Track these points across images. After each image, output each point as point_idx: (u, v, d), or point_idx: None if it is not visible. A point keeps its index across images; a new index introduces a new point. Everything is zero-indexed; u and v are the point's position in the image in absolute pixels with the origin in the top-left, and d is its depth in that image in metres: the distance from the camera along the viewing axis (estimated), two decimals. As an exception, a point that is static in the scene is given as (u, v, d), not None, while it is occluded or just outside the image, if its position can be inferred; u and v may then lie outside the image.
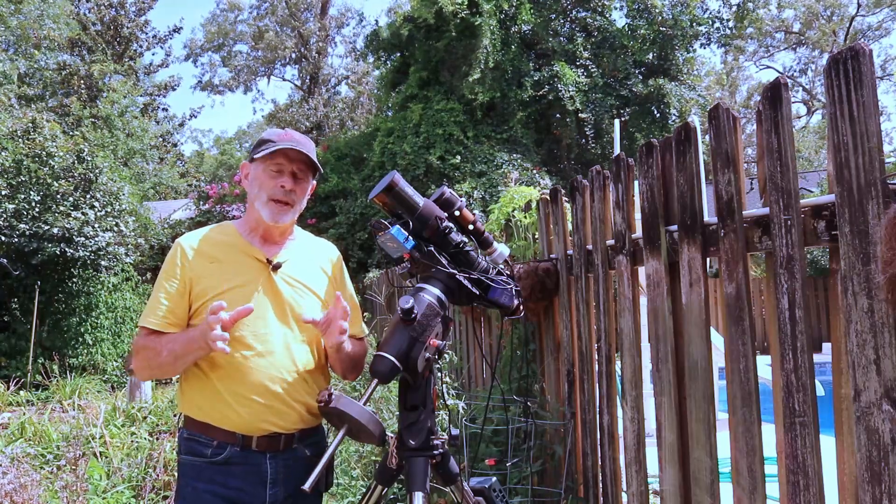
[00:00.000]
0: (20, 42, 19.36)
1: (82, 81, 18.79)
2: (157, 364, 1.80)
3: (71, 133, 9.12)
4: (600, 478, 2.77)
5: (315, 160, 1.88)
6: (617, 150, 5.83)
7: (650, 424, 2.42)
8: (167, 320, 1.80)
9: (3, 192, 8.14)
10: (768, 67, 31.00)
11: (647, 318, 2.25)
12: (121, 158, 16.27)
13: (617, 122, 6.60)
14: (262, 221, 1.87)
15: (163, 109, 24.20)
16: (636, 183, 2.31)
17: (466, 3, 11.86)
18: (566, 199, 3.18)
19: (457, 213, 1.79)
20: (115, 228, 8.99)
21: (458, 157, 11.84)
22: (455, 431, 1.78)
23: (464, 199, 1.98)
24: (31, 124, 8.79)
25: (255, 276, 1.84)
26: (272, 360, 1.80)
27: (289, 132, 1.90)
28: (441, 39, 12.25)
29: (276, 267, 1.86)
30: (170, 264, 1.85)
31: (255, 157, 1.86)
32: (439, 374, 1.78)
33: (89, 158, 8.82)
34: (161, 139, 21.95)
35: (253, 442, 1.79)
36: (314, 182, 1.96)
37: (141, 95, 21.48)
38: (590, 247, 2.81)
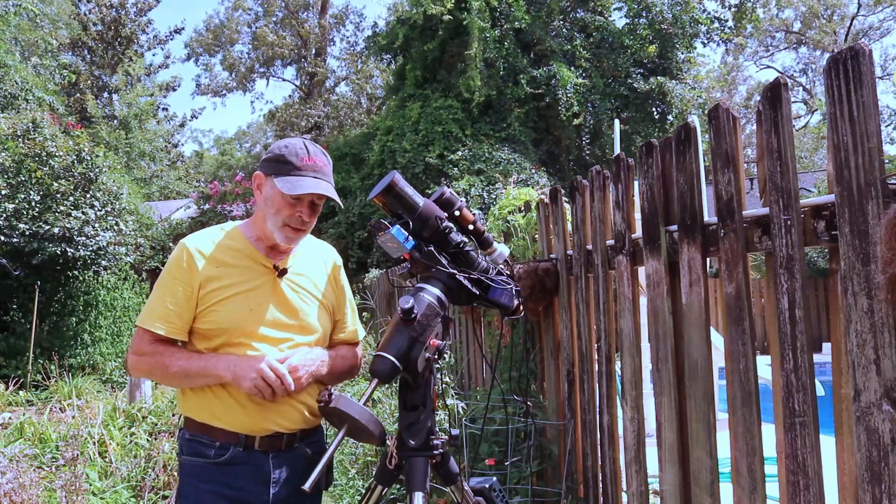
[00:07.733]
0: (19, 45, 19.37)
1: (87, 81, 18.79)
2: (160, 374, 1.81)
3: (72, 133, 9.07)
4: (600, 478, 2.77)
5: (334, 192, 1.83)
6: (617, 149, 5.83)
7: (650, 424, 2.42)
8: (174, 325, 1.80)
9: (3, 192, 8.13)
10: (768, 67, 31.01)
11: (647, 318, 2.25)
12: (133, 160, 16.23)
13: (616, 121, 6.60)
14: (273, 240, 1.85)
15: (163, 110, 24.19)
16: (636, 183, 2.31)
17: (453, 2, 11.88)
18: (566, 199, 3.17)
19: (457, 213, 1.79)
20: (115, 228, 8.98)
21: (458, 154, 11.84)
22: (455, 431, 1.79)
23: (463, 199, 1.97)
24: (31, 124, 8.78)
25: (261, 281, 1.85)
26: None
27: (312, 157, 1.81)
28: (434, 39, 12.28)
29: (282, 272, 1.87)
30: (176, 267, 1.82)
31: (276, 181, 1.78)
32: (439, 375, 1.78)
33: (89, 158, 8.81)
34: (163, 140, 21.98)
35: (256, 442, 1.80)
36: None
37: (142, 96, 21.50)
38: (590, 247, 2.80)
